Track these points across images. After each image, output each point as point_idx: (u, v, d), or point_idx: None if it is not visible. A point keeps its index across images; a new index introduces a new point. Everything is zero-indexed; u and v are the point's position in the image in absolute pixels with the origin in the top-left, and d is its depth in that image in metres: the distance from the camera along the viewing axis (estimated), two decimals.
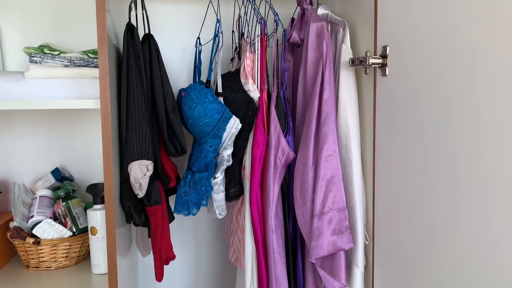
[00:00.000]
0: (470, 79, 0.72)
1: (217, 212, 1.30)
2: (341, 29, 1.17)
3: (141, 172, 1.07)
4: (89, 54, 1.23)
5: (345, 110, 1.12)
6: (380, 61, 1.01)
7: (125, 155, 1.09)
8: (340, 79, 1.13)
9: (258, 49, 1.17)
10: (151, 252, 1.33)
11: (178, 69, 1.57)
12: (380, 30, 1.03)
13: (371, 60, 1.01)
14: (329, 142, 1.10)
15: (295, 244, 1.26)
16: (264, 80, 1.19)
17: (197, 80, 1.38)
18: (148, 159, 1.08)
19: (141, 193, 1.12)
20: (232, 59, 1.49)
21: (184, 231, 1.68)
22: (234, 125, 1.18)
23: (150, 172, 1.09)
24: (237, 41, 1.42)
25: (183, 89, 1.33)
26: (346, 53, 1.13)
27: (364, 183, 1.13)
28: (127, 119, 1.08)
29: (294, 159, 1.19)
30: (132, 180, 1.07)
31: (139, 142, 1.07)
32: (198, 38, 1.42)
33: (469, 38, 0.73)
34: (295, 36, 1.26)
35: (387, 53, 1.00)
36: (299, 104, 1.25)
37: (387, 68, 1.00)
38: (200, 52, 1.41)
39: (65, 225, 1.32)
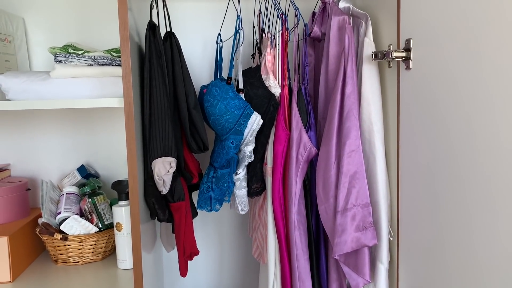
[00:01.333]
0: (496, 72, 0.71)
1: (239, 208, 1.31)
2: (363, 23, 1.15)
3: (164, 169, 1.09)
4: (112, 52, 1.25)
5: (368, 105, 1.11)
6: (403, 54, 1.00)
7: (148, 152, 1.10)
8: (363, 73, 1.12)
9: (279, 44, 1.16)
10: (175, 247, 1.35)
11: (199, 65, 1.59)
12: (403, 23, 1.01)
13: (394, 54, 1.00)
14: (352, 137, 1.09)
15: (318, 240, 1.26)
16: (286, 76, 1.19)
17: (218, 77, 1.39)
18: (171, 156, 1.10)
19: (164, 190, 1.13)
20: (253, 55, 1.49)
21: (207, 227, 1.70)
22: (255, 121, 1.18)
23: (173, 169, 1.11)
24: (257, 37, 1.42)
25: (204, 86, 1.33)
26: (369, 47, 1.11)
27: (388, 178, 1.12)
28: (150, 116, 1.09)
29: (316, 155, 1.18)
30: (155, 177, 1.09)
31: (162, 139, 1.08)
32: (219, 34, 1.43)
33: (498, 30, 0.71)
34: (316, 30, 1.25)
35: (411, 46, 0.98)
36: (321, 99, 1.25)
37: (410, 62, 0.98)
38: (221, 49, 1.42)
39: (91, 221, 1.35)
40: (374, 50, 1.11)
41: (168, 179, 1.11)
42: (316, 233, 1.26)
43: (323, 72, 1.23)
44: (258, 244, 1.37)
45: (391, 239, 1.11)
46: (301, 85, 1.21)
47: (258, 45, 1.39)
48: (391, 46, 1.07)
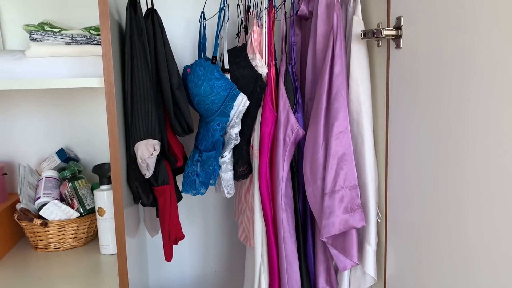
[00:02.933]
0: (490, 51, 0.70)
1: (225, 191, 1.29)
2: (351, 0, 1.13)
3: (148, 151, 1.06)
4: (90, 31, 1.20)
5: (356, 85, 1.09)
6: (393, 33, 0.98)
7: (131, 135, 1.07)
8: (351, 52, 1.10)
9: (265, 22, 1.13)
10: (160, 232, 1.33)
11: (181, 45, 1.55)
12: (393, 0, 0.99)
13: (384, 32, 0.98)
14: (340, 118, 1.07)
15: (305, 223, 1.25)
16: (272, 55, 1.16)
17: (202, 57, 1.35)
18: (154, 139, 1.07)
19: (148, 173, 1.11)
20: (237, 34, 1.46)
21: (192, 211, 1.68)
22: (241, 102, 1.16)
23: (157, 152, 1.08)
24: (243, 15, 1.38)
25: (188, 65, 1.30)
26: (358, 25, 1.09)
27: (376, 159, 1.11)
28: (132, 97, 1.06)
29: (303, 137, 1.17)
30: (139, 160, 1.06)
31: (145, 121, 1.05)
32: (202, 12, 1.39)
33: (493, 6, 0.69)
34: (303, 8, 1.22)
35: (401, 24, 0.96)
36: (308, 79, 1.23)
37: (401, 40, 0.97)
38: (204, 27, 1.38)
39: (72, 206, 1.32)
40: (363, 28, 1.09)
41: (152, 162, 1.08)
42: (303, 215, 1.25)
43: (310, 51, 1.21)
44: (245, 227, 1.36)
45: (379, 220, 1.11)
46: (288, 65, 1.19)
47: (244, 24, 1.35)
48: (380, 24, 1.05)
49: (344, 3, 1.16)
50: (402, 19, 0.96)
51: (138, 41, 1.07)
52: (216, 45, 1.17)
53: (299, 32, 1.30)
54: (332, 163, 1.08)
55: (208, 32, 1.49)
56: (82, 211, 1.33)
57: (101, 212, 1.28)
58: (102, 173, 1.29)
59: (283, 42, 1.19)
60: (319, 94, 1.11)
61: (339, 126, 1.08)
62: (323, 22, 1.15)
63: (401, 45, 0.97)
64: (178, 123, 1.16)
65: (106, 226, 1.29)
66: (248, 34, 1.17)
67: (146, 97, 1.06)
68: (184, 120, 1.15)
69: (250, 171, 1.27)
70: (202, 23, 1.38)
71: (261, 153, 1.18)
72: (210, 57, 1.23)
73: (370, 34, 1.02)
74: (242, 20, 1.40)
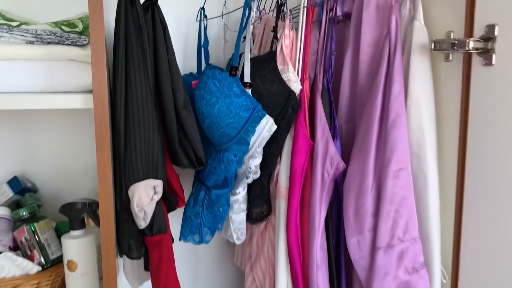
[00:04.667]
0: None
1: (234, 236, 1.03)
2: (407, 0, 0.90)
3: (147, 196, 0.78)
4: (62, 26, 0.90)
5: (418, 109, 0.87)
6: (481, 45, 0.76)
7: (124, 174, 0.79)
8: (411, 67, 0.87)
9: (302, 24, 0.88)
10: (144, 282, 1.05)
11: None
12: (481, 2, 0.77)
13: (472, 44, 0.76)
14: (400, 151, 0.84)
15: (339, 276, 1.01)
16: (307, 67, 0.92)
17: (206, 64, 1.08)
18: (157, 178, 0.79)
19: (144, 224, 0.83)
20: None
21: (179, 253, 1.39)
22: (266, 126, 0.90)
23: (159, 196, 0.81)
24: (256, 13, 1.13)
25: (190, 75, 1.03)
26: (420, 33, 0.87)
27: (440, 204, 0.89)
28: (126, 122, 0.78)
29: (343, 171, 0.93)
30: (135, 208, 0.78)
31: (146, 155, 0.78)
32: (202, 8, 1.12)
33: None
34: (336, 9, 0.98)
35: (495, 34, 0.75)
36: (343, 97, 0.99)
37: (493, 56, 0.75)
38: (205, 28, 1.12)
39: (31, 258, 1.01)
40: (426, 37, 0.86)
41: (151, 209, 0.81)
42: (337, 267, 1.01)
43: (348, 63, 0.97)
44: (257, 281, 1.09)
45: (444, 282, 0.89)
46: (324, 79, 0.95)
47: (255, 22, 1.10)
48: (452, 33, 0.83)
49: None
50: (496, 28, 0.74)
51: (136, 44, 0.79)
52: (237, 50, 0.90)
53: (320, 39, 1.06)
54: (389, 209, 0.85)
55: (211, 33, 1.22)
56: (44, 263, 1.02)
57: (72, 266, 0.98)
58: (74, 215, 0.99)
59: (322, 50, 0.94)
60: (368, 119, 0.88)
61: (398, 162, 0.85)
62: (371, 28, 0.91)
63: (493, 62, 0.75)
64: (185, 154, 0.88)
65: (78, 285, 0.99)
66: (279, 38, 0.91)
67: (147, 122, 0.78)
68: (192, 149, 0.88)
69: (269, 212, 1.02)
70: (202, 22, 1.12)
71: (291, 192, 0.92)
72: (214, 64, 0.97)
73: (446, 46, 0.80)
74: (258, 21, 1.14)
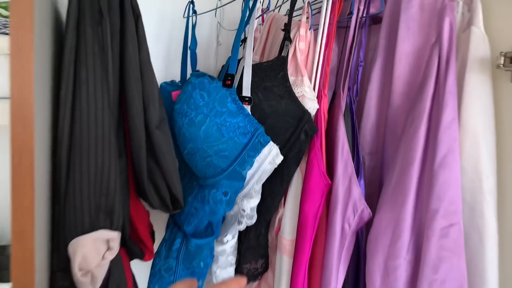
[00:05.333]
0: None
1: None
2: (460, 1, 0.69)
3: (96, 255, 0.54)
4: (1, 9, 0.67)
5: (475, 144, 0.65)
6: None
7: (59, 222, 0.54)
8: (466, 88, 0.66)
9: (324, 24, 0.66)
10: None
11: (151, 52, 1.03)
12: None
13: None
14: (450, 201, 0.63)
15: None
16: (327, 79, 0.69)
17: (193, 71, 0.86)
18: (112, 229, 0.55)
19: None
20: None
21: None
22: (268, 157, 0.67)
23: (114, 253, 0.56)
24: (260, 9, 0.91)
25: (170, 84, 0.80)
26: (480, 43, 0.66)
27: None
28: (71, 145, 0.54)
29: (369, 220, 0.71)
30: (76, 272, 0.53)
31: (97, 193, 0.54)
32: (191, 2, 0.90)
33: None
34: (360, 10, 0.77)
35: None
36: (367, 121, 0.78)
37: None
38: (194, 26, 0.89)
39: None
40: (487, 49, 0.65)
41: (102, 272, 0.56)
42: None
43: (376, 79, 0.76)
44: None
45: None
46: (347, 97, 0.73)
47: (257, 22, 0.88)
48: None
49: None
50: None
51: (92, 37, 0.56)
52: (235, 54, 0.67)
53: (335, 47, 0.84)
54: (432, 279, 0.63)
55: (200, 33, 1.00)
56: None
57: None
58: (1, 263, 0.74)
59: (347, 59, 0.72)
60: (407, 154, 0.66)
61: (447, 216, 0.63)
62: (412, 34, 0.70)
63: None
64: (155, 191, 0.65)
65: None
66: (293, 40, 0.68)
67: (101, 146, 0.55)
68: (166, 185, 0.65)
69: (265, 269, 0.78)
70: (190, 18, 0.89)
71: (299, 248, 0.69)
72: (201, 70, 0.74)
73: None
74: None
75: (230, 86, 0.67)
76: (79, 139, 0.54)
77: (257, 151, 0.66)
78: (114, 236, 0.56)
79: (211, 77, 0.71)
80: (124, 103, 0.61)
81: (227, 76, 0.66)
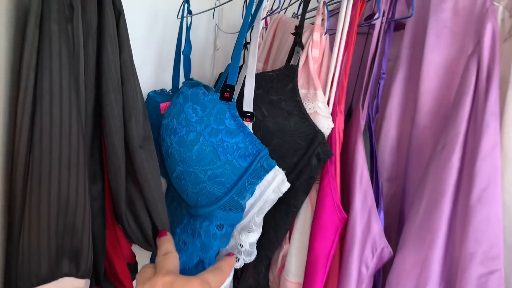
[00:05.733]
0: None
1: None
2: (500, 5, 0.59)
3: None
4: None
5: None
6: None
7: (15, 269, 0.43)
8: (508, 108, 0.56)
9: (344, 26, 0.56)
10: None
11: (141, 56, 0.92)
12: None
13: None
14: (490, 244, 0.53)
15: None
16: (344, 93, 0.59)
17: (186, 79, 0.75)
18: (78, 276, 0.44)
19: None
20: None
21: None
22: (272, 184, 0.57)
23: None
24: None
25: (163, 94, 0.70)
26: None
27: None
28: (28, 169, 0.43)
29: (390, 260, 0.60)
30: None
31: (58, 231, 0.43)
32: (186, 1, 0.81)
33: None
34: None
35: None
36: (385, 143, 0.67)
37: None
38: (188, 28, 0.79)
39: None
40: None
41: None
42: None
43: (397, 94, 0.66)
44: None
45: None
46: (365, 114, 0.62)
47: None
48: None
49: None
50: None
51: (58, 35, 0.45)
52: (236, 60, 0.57)
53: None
54: None
55: (195, 35, 0.89)
56: None
57: None
58: None
59: (368, 70, 0.62)
60: (437, 185, 0.56)
61: (486, 261, 0.53)
62: (444, 42, 0.60)
63: None
64: (136, 223, 0.54)
65: None
66: (306, 46, 0.58)
67: (66, 169, 0.44)
68: (149, 217, 0.54)
69: None
70: (185, 18, 0.79)
71: None
72: (195, 78, 0.64)
73: None
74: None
75: (229, 99, 0.56)
76: (38, 162, 0.43)
77: (259, 177, 0.55)
78: (81, 286, 0.45)
79: (206, 87, 0.61)
80: (98, 117, 0.50)
81: (226, 88, 0.55)
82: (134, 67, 0.53)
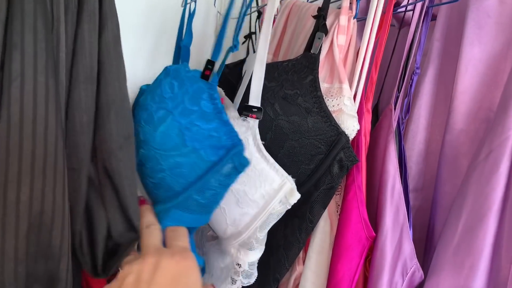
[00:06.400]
0: None
1: None
2: None
3: None
4: None
5: None
6: None
7: None
8: None
9: (377, 11, 0.48)
10: None
11: (134, 48, 0.83)
12: None
13: None
14: None
15: None
16: (372, 89, 0.51)
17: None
18: None
19: None
20: (249, 36, 0.79)
21: None
22: (280, 193, 0.48)
23: None
24: None
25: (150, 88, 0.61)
26: None
27: None
28: None
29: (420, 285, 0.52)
30: None
31: (30, 253, 0.35)
32: None
33: None
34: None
35: None
36: (414, 147, 0.60)
37: None
38: (191, 16, 0.70)
39: None
40: None
41: None
42: None
43: (427, 93, 0.58)
44: None
45: None
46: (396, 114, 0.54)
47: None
48: None
49: None
50: None
51: (34, 6, 0.37)
52: (222, 32, 0.48)
53: None
54: None
55: (198, 23, 0.80)
56: None
57: None
58: None
59: (403, 63, 0.54)
60: (481, 199, 0.49)
61: None
62: (486, 34, 0.53)
63: None
64: (89, 243, 0.45)
65: None
66: (329, 31, 0.50)
67: (41, 172, 0.36)
68: (105, 240, 0.45)
69: None
70: (187, 6, 0.71)
71: None
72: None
73: None
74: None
75: (209, 76, 0.48)
76: (3, 166, 0.35)
77: (229, 177, 0.47)
78: None
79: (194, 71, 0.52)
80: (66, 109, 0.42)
81: (208, 64, 0.47)
82: (120, 51, 0.44)
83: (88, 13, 0.40)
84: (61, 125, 0.37)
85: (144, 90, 0.55)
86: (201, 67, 0.86)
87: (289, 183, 0.48)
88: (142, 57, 0.83)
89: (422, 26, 0.52)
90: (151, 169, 0.47)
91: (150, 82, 0.71)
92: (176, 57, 0.69)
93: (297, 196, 0.48)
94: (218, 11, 0.83)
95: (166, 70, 0.51)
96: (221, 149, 0.46)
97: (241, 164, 0.46)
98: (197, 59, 0.84)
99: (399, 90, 0.53)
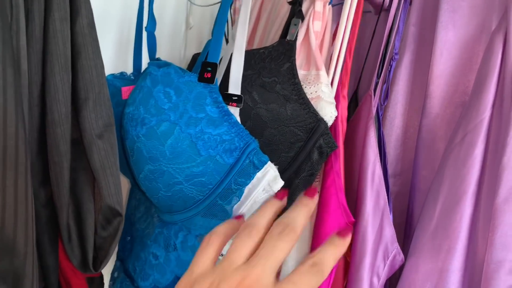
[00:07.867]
0: None
1: None
2: None
3: None
4: None
5: None
6: None
7: None
8: None
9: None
10: None
11: (105, 36, 0.80)
12: None
13: None
14: None
15: None
16: (348, 76, 0.52)
17: (154, 59, 0.66)
18: None
19: None
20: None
21: None
22: (263, 181, 0.48)
23: None
24: None
25: (123, 78, 0.61)
26: None
27: None
28: None
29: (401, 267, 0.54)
30: None
31: None
32: None
33: None
34: None
35: None
36: (391, 133, 0.61)
37: None
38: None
39: None
40: None
41: None
42: None
43: (403, 79, 0.59)
44: None
45: None
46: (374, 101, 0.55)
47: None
48: None
49: None
50: None
51: None
52: (218, 33, 0.48)
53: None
54: None
55: (163, 14, 0.80)
56: None
57: None
58: None
59: (383, 48, 0.54)
60: (457, 182, 0.50)
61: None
62: (460, 17, 0.55)
63: None
64: (79, 239, 0.45)
65: None
66: (306, 18, 0.50)
67: (7, 163, 0.35)
68: (110, 210, 0.45)
69: None
70: None
71: None
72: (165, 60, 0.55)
73: None
74: None
75: (211, 80, 0.48)
76: None
77: (249, 176, 0.47)
78: None
79: (179, 68, 0.52)
80: (44, 99, 0.41)
81: (206, 66, 0.46)
82: (96, 37, 0.44)
83: (57, 1, 0.39)
84: (23, 118, 0.36)
85: (116, 85, 0.54)
86: (171, 58, 0.85)
87: (272, 170, 0.48)
88: (105, 47, 0.81)
89: (401, 11, 0.53)
90: (164, 183, 0.47)
91: (116, 71, 0.70)
92: (138, 44, 0.67)
93: (280, 183, 0.48)
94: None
95: (153, 76, 0.50)
96: (236, 150, 0.46)
97: (260, 160, 0.46)
98: (166, 50, 0.83)
99: (378, 76, 0.53)
